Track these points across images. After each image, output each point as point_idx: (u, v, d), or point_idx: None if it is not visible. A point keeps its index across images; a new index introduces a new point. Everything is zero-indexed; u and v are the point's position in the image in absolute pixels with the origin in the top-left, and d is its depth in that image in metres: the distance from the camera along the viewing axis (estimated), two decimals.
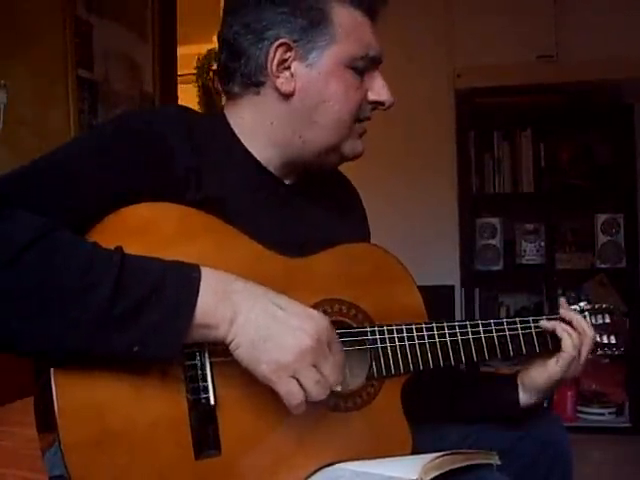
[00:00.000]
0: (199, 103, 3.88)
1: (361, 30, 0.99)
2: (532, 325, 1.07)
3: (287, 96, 0.97)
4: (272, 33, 0.95)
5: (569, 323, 1.06)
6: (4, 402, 1.24)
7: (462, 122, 3.32)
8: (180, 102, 2.92)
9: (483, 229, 3.36)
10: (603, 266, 3.18)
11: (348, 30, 0.97)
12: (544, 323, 1.07)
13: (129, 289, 0.75)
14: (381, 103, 1.02)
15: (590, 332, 1.06)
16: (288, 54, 0.96)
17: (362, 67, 0.99)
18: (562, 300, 1.11)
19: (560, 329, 1.06)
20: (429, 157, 3.34)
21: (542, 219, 3.34)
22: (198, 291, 0.78)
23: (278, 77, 0.96)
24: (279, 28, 0.95)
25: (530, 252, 3.34)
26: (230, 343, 0.80)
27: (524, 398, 1.08)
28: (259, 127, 0.99)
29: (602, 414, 3.15)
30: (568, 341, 1.04)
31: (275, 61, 0.95)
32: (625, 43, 3.08)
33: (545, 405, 1.13)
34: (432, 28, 3.31)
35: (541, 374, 1.06)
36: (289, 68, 0.96)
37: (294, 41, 0.95)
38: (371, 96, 1.02)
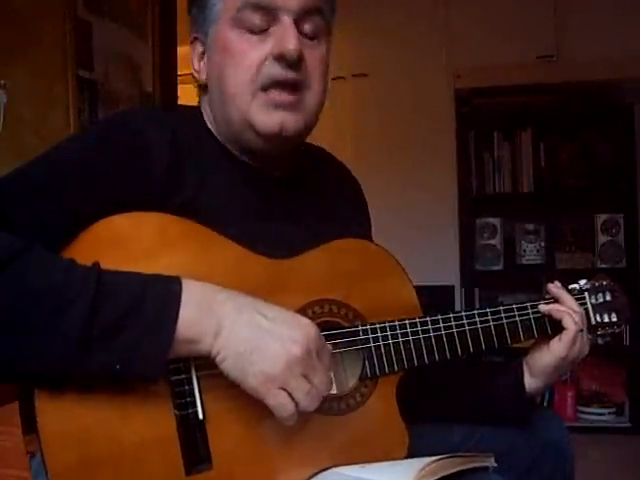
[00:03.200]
0: (199, 103, 3.87)
1: None
2: (530, 311, 1.05)
3: (205, 87, 0.99)
4: (191, 33, 0.99)
5: (558, 300, 1.05)
6: (4, 402, 1.24)
7: (462, 122, 3.32)
8: (180, 102, 2.91)
9: (483, 229, 3.36)
10: (603, 266, 3.18)
11: None
12: (542, 307, 1.05)
13: (107, 306, 0.73)
14: (280, 56, 0.89)
15: (579, 309, 1.04)
16: (201, 47, 0.98)
17: (252, 22, 0.90)
18: (549, 284, 1.09)
19: (556, 310, 1.04)
20: (429, 157, 3.34)
21: (542, 219, 3.34)
22: (179, 305, 0.75)
23: (197, 71, 0.99)
24: (190, 27, 0.99)
25: (530, 252, 3.34)
26: (216, 357, 0.77)
27: (531, 382, 1.05)
28: (213, 119, 0.99)
29: (602, 414, 3.15)
30: (568, 318, 1.02)
31: (194, 58, 0.99)
32: (625, 43, 3.08)
33: (545, 405, 1.12)
34: (432, 28, 3.31)
35: (546, 354, 1.03)
36: (204, 59, 0.98)
37: (197, 32, 0.98)
38: (272, 51, 0.89)
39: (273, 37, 0.90)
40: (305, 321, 0.81)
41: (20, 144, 1.80)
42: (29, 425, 0.78)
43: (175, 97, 2.76)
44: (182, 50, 2.85)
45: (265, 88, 0.91)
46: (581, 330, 1.03)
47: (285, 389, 0.77)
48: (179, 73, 2.82)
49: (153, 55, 2.54)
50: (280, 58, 0.89)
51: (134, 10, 2.44)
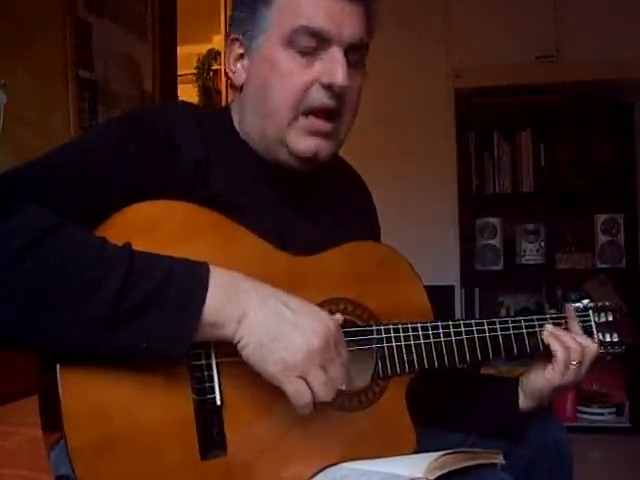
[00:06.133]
0: (199, 103, 3.88)
1: (302, 3, 0.91)
2: (536, 324, 1.06)
3: (240, 89, 0.99)
4: (230, 31, 0.99)
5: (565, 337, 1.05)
6: (4, 402, 1.24)
7: (462, 122, 3.32)
8: None
9: (483, 229, 3.36)
10: (603, 266, 3.18)
11: (287, 7, 0.92)
12: (546, 336, 1.05)
13: (137, 284, 0.75)
14: (328, 86, 0.92)
15: (593, 347, 1.04)
16: (241, 49, 0.98)
17: (304, 45, 0.91)
18: (569, 309, 1.09)
19: (549, 336, 1.04)
20: (429, 157, 3.34)
21: (542, 219, 3.34)
22: (207, 289, 0.78)
23: (233, 72, 0.99)
24: (232, 26, 0.99)
25: (530, 252, 3.34)
26: (238, 342, 0.79)
27: (524, 402, 1.07)
28: (241, 121, 1.00)
29: (602, 414, 3.15)
30: (558, 347, 1.03)
31: (230, 57, 0.99)
32: (625, 43, 3.07)
33: (545, 405, 1.12)
34: (431, 28, 3.31)
35: (539, 378, 1.05)
36: (243, 62, 0.98)
37: (242, 34, 0.97)
38: (321, 79, 0.92)
39: (321, 64, 0.92)
40: (326, 314, 0.84)
41: (20, 144, 1.80)
42: (49, 422, 0.80)
43: (175, 97, 2.77)
44: (182, 50, 2.86)
45: (306, 113, 0.93)
46: (579, 362, 1.02)
47: (303, 378, 0.79)
48: (179, 73, 2.82)
49: (153, 55, 2.54)
50: (328, 87, 0.92)
51: (134, 10, 2.44)
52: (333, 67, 0.91)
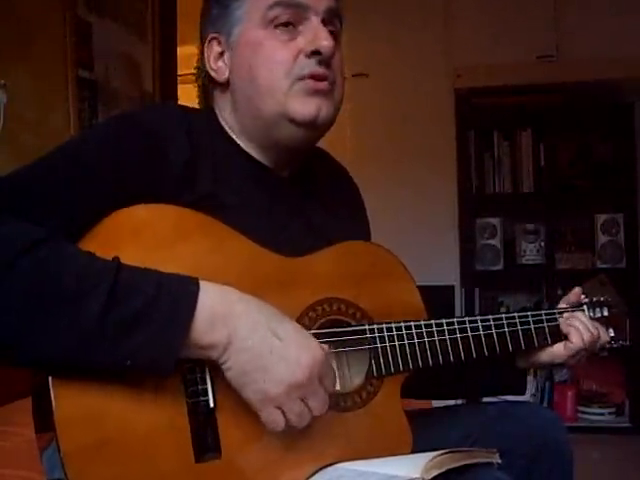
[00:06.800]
0: (199, 103, 3.87)
1: None
2: (531, 320, 1.08)
3: (226, 85, 0.99)
4: (204, 35, 1.00)
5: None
6: (4, 402, 1.24)
7: (462, 122, 3.32)
8: (180, 102, 2.91)
9: (483, 229, 3.36)
10: (603, 266, 3.19)
11: None
12: (563, 322, 1.09)
13: (122, 301, 0.74)
14: (316, 52, 0.93)
15: (604, 336, 1.10)
16: (219, 47, 0.99)
17: (282, 19, 0.93)
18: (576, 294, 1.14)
19: (567, 328, 1.09)
20: (429, 157, 3.34)
21: (542, 219, 3.35)
22: (195, 308, 0.76)
23: (214, 70, 1.00)
24: (207, 27, 1.00)
25: (530, 252, 3.34)
26: (222, 364, 0.79)
27: (520, 362, 1.13)
28: (228, 119, 1.01)
29: (602, 414, 3.15)
30: (576, 335, 1.07)
31: (210, 57, 1.00)
32: (625, 43, 3.08)
33: (545, 405, 1.14)
34: (432, 28, 3.31)
35: (544, 355, 1.10)
36: (224, 58, 0.99)
37: (217, 32, 0.98)
38: (306, 48, 0.93)
39: (303, 35, 0.94)
40: (315, 344, 0.83)
41: (20, 144, 1.80)
42: (42, 424, 0.79)
43: (175, 97, 2.76)
44: (182, 50, 2.85)
45: (301, 78, 0.94)
46: (587, 350, 1.08)
47: (280, 408, 0.80)
48: (179, 73, 2.82)
49: (153, 55, 2.54)
50: (315, 54, 0.93)
51: (134, 10, 2.44)
52: (315, 34, 0.93)
